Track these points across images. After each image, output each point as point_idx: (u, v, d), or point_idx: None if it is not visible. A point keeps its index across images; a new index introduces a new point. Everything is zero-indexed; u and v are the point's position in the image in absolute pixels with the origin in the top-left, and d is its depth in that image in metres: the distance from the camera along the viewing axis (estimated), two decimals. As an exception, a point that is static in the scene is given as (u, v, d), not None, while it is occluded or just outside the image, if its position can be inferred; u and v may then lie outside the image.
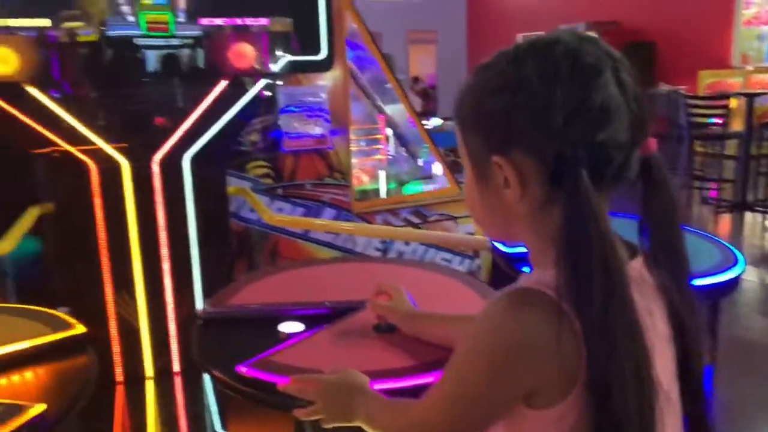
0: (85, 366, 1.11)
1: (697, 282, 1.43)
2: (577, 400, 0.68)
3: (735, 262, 1.52)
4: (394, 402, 0.91)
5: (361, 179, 3.63)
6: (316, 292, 1.37)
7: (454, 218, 3.49)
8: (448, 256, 3.44)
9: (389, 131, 4.61)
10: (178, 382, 2.75)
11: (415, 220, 3.45)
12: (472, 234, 3.33)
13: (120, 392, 2.69)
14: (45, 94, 2.45)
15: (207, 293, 2.73)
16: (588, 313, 0.66)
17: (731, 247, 1.62)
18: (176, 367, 2.75)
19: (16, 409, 0.92)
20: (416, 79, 12.66)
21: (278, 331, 1.19)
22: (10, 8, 2.36)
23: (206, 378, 2.74)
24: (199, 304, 2.72)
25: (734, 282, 1.46)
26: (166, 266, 2.67)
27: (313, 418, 0.93)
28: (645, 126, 0.73)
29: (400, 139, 4.69)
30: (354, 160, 3.55)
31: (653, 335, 0.73)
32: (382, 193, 3.63)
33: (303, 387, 0.95)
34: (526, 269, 1.46)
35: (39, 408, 0.92)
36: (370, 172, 3.74)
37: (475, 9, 14.37)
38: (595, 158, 0.69)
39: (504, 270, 1.57)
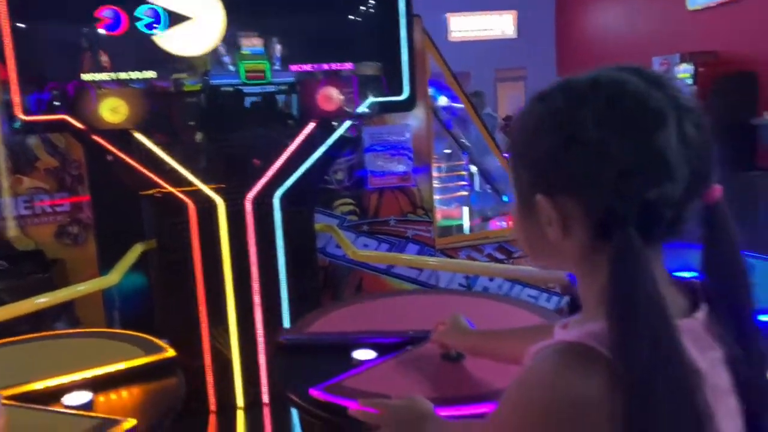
0: (174, 387, 1.20)
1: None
2: None
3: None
4: (458, 424, 0.92)
5: (444, 215, 3.66)
6: (390, 323, 1.41)
7: (539, 254, 3.44)
8: (533, 292, 3.38)
9: (474, 168, 4.64)
10: (266, 413, 2.83)
11: (499, 256, 3.43)
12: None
13: (213, 421, 2.81)
14: (151, 141, 2.67)
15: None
16: (632, 373, 0.63)
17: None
18: (265, 398, 2.84)
19: (111, 424, 1.01)
20: (508, 118, 12.68)
21: (352, 358, 1.23)
22: (121, 63, 2.60)
23: (294, 410, 2.82)
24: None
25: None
26: (257, 299, 2.79)
27: None
28: (708, 178, 0.70)
29: (486, 176, 4.71)
30: (438, 197, 3.60)
31: (715, 390, 0.69)
32: (466, 229, 3.63)
33: (370, 413, 0.99)
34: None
35: (130, 423, 1.01)
36: (454, 208, 3.77)
37: (565, 43, 14.25)
38: (645, 215, 0.66)
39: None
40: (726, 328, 0.73)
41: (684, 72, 10.47)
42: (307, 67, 2.86)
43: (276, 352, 1.36)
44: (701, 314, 0.73)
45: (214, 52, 2.78)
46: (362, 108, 2.85)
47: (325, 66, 2.84)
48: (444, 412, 0.99)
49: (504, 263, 3.40)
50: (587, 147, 0.67)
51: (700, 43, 10.65)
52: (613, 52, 11.79)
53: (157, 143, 2.69)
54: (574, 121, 0.68)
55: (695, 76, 10.26)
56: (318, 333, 1.41)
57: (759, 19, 9.91)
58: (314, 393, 1.11)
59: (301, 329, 1.44)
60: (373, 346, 1.29)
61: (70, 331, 2.21)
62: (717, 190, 0.72)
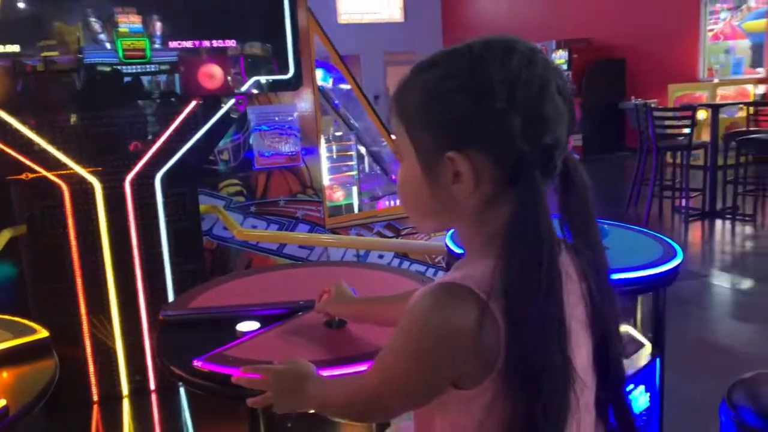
0: (47, 367, 1.15)
1: (640, 273, 1.51)
2: (492, 384, 0.73)
3: (674, 255, 1.60)
4: (337, 380, 0.96)
5: (334, 195, 3.70)
6: (273, 295, 1.43)
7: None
8: (421, 268, 3.50)
9: (362, 149, 4.71)
10: (154, 399, 2.77)
11: (389, 234, 3.51)
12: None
13: (96, 412, 2.70)
14: (19, 121, 2.50)
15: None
16: (528, 303, 0.71)
17: (671, 242, 1.71)
18: (152, 385, 2.77)
19: (-22, 404, 0.97)
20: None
21: (235, 330, 1.24)
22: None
23: (182, 394, 2.77)
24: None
25: (673, 273, 1.54)
26: (139, 284, 2.71)
27: (264, 405, 0.98)
28: (575, 125, 0.81)
29: (375, 157, 4.79)
30: (328, 177, 3.62)
31: (574, 323, 0.78)
32: (355, 208, 3.69)
33: (253, 378, 1.01)
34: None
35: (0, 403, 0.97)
36: (344, 188, 3.81)
37: (451, 28, 14.64)
38: (544, 159, 0.75)
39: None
40: (584, 265, 0.83)
41: (560, 58, 11.09)
42: (188, 44, 2.78)
43: (157, 328, 1.34)
44: (563, 252, 0.83)
45: (88, 29, 2.64)
46: (246, 86, 2.82)
47: (207, 43, 2.78)
48: (326, 373, 1.03)
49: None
50: (495, 102, 0.74)
51: (575, 30, 11.32)
52: (495, 38, 12.21)
53: (26, 124, 2.52)
54: (481, 80, 0.75)
55: (570, 61, 10.90)
56: (200, 307, 1.40)
57: (627, 8, 10.67)
58: (197, 364, 1.11)
59: (182, 304, 1.43)
60: (257, 318, 1.30)
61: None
62: (570, 141, 0.82)
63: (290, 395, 0.97)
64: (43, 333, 1.27)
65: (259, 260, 3.32)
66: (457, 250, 1.73)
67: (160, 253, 2.74)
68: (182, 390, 2.78)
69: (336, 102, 5.05)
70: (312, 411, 0.95)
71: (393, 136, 0.88)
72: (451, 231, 1.88)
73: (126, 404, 2.73)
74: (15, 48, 2.40)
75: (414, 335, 0.76)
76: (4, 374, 1.13)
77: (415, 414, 0.86)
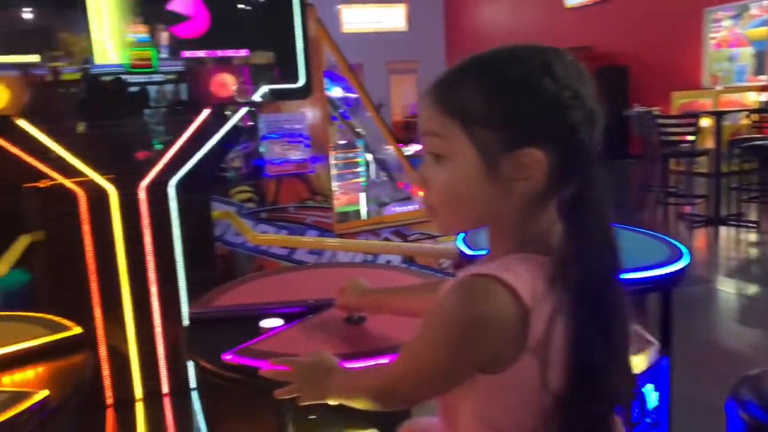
0: (82, 362, 1.20)
1: (648, 274, 1.55)
2: (521, 367, 0.78)
3: (680, 256, 1.64)
4: (363, 370, 1.01)
5: (342, 201, 3.75)
6: (294, 293, 1.48)
7: (433, 237, 3.60)
8: (428, 273, 3.54)
9: (369, 156, 4.76)
10: (167, 403, 2.81)
11: (396, 240, 3.56)
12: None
13: (110, 415, 2.75)
14: (36, 128, 2.56)
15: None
16: (592, 284, 0.78)
17: (678, 244, 1.75)
18: (165, 388, 2.81)
19: (21, 396, 1.01)
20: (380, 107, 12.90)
21: (259, 327, 1.29)
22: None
23: (195, 398, 2.81)
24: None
25: (681, 273, 1.59)
26: (153, 289, 2.75)
27: (289, 396, 1.03)
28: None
29: (381, 164, 4.85)
30: (336, 184, 3.68)
31: None
32: (363, 215, 3.74)
33: (280, 370, 1.05)
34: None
35: (42, 394, 1.02)
36: (351, 194, 3.86)
37: (454, 38, 14.74)
38: (597, 150, 0.81)
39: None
40: None
41: (563, 66, 11.15)
42: (200, 54, 2.84)
43: (185, 326, 1.40)
44: None
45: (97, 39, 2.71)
46: (258, 95, 2.88)
47: (218, 53, 2.84)
48: (348, 365, 1.07)
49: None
50: (563, 98, 0.78)
51: (576, 38, 11.39)
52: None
53: (43, 132, 2.58)
54: (550, 77, 0.78)
55: (573, 70, 10.96)
56: (224, 306, 1.46)
57: (629, 16, 10.75)
58: (226, 357, 1.16)
59: (207, 304, 1.48)
60: (280, 315, 1.35)
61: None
62: None
63: (315, 386, 1.01)
64: (76, 329, 1.32)
65: (269, 266, 3.36)
66: (470, 252, 1.78)
67: (174, 260, 2.78)
68: (194, 394, 2.82)
69: (343, 110, 5.11)
70: (335, 402, 0.99)
71: (427, 137, 0.85)
72: (462, 234, 1.93)
73: (139, 408, 2.78)
74: (34, 58, 2.46)
75: (445, 323, 0.80)
76: (42, 368, 1.18)
77: (440, 402, 0.90)
